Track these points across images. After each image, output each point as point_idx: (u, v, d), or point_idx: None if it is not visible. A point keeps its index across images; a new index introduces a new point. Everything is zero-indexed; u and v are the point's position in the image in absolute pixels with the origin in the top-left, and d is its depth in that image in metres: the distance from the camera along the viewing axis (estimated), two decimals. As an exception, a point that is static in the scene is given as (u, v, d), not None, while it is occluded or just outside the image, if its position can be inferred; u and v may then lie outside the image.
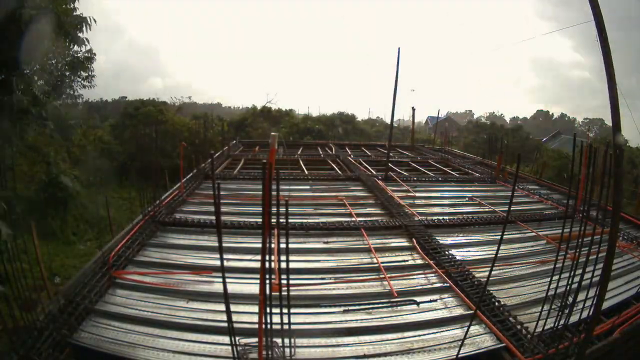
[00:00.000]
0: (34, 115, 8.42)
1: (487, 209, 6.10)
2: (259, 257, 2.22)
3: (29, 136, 9.32)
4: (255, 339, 2.37)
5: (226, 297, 2.17)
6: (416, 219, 5.36)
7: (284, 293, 2.26)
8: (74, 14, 8.87)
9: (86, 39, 9.64)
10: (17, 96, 7.38)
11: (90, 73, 10.87)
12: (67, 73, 10.27)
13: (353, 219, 5.29)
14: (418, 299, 3.37)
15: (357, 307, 3.21)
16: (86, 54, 10.55)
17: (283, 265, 2.24)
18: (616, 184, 2.33)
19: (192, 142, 13.81)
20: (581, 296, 2.65)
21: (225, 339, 2.48)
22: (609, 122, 2.56)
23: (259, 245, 2.18)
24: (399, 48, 7.97)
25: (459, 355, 2.61)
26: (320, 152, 12.44)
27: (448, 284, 3.60)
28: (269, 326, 2.25)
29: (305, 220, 5.06)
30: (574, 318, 2.74)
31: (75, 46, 9.79)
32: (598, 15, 2.16)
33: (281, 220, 2.27)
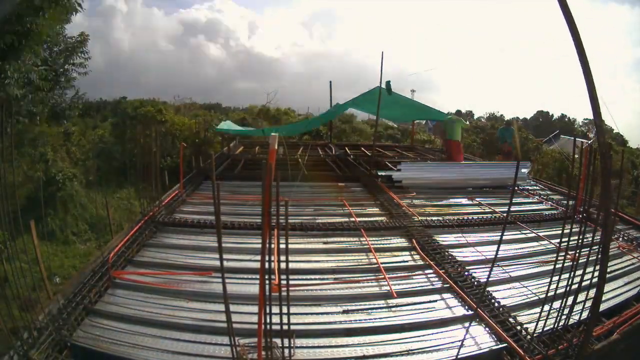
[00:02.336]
0: (28, 101, 8.32)
1: (486, 210, 6.11)
2: (258, 257, 2.22)
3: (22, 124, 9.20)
4: (254, 340, 2.37)
5: (226, 298, 2.17)
6: (416, 219, 5.37)
7: (284, 293, 2.25)
8: None
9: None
10: (10, 84, 7.26)
11: (86, 56, 10.72)
12: (61, 61, 10.12)
13: (353, 219, 5.29)
14: (418, 299, 3.37)
15: (356, 308, 3.21)
16: (79, 38, 10.42)
17: (283, 265, 2.24)
18: (604, 183, 2.37)
19: (192, 142, 13.81)
20: (581, 297, 2.65)
21: (225, 340, 2.48)
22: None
23: (259, 246, 2.18)
24: (382, 52, 8.28)
25: (459, 356, 2.60)
26: (320, 153, 12.44)
27: (448, 285, 3.60)
28: (268, 327, 2.24)
29: (305, 221, 5.06)
30: (574, 319, 2.74)
31: (68, 29, 9.55)
32: (575, 32, 2.21)
33: (281, 221, 2.26)
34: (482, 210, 6.10)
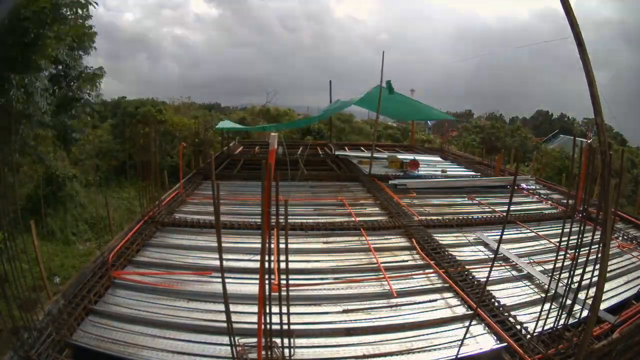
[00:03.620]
0: (34, 121, 8.34)
1: (486, 209, 6.11)
2: (258, 257, 2.22)
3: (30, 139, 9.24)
4: (254, 339, 2.37)
5: (225, 298, 2.17)
6: (415, 218, 5.37)
7: (284, 293, 2.25)
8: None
9: (94, 47, 9.46)
10: (15, 96, 7.27)
11: (98, 91, 10.74)
12: (74, 85, 10.14)
13: (352, 219, 5.30)
14: (418, 298, 3.37)
15: (356, 307, 3.21)
16: (96, 71, 10.46)
17: (282, 265, 2.24)
18: (604, 183, 2.37)
19: (192, 142, 13.81)
20: (581, 296, 2.65)
21: (225, 339, 2.48)
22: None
23: (259, 246, 2.18)
24: (383, 52, 8.33)
25: (459, 355, 2.61)
26: (320, 152, 12.44)
27: (448, 284, 3.60)
28: (268, 326, 2.25)
29: (304, 221, 5.06)
30: (574, 318, 2.74)
31: (85, 61, 9.72)
32: (577, 32, 2.21)
33: (281, 221, 2.26)
34: (482, 210, 6.10)
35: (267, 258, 2.15)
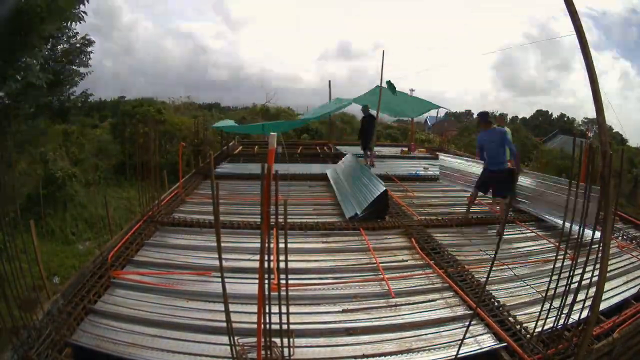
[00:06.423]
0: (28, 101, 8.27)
1: (486, 209, 6.10)
2: (257, 257, 2.22)
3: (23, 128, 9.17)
4: (254, 339, 2.37)
5: (225, 297, 2.17)
6: (415, 218, 5.37)
7: (283, 293, 2.25)
8: None
9: (83, 12, 8.70)
10: (12, 83, 7.23)
11: (88, 57, 10.60)
12: (63, 60, 10.03)
13: (352, 218, 5.29)
14: (417, 298, 3.37)
15: (355, 307, 3.21)
16: (83, 41, 10.33)
17: (282, 265, 2.24)
18: (604, 183, 2.37)
19: (191, 142, 13.80)
20: (581, 296, 2.65)
21: (224, 339, 2.47)
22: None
23: (258, 245, 2.18)
24: (383, 51, 8.39)
25: (458, 355, 2.60)
26: (320, 152, 12.44)
27: (447, 284, 3.60)
28: (267, 326, 2.24)
29: (304, 220, 5.06)
30: (573, 318, 2.74)
31: (71, 32, 9.48)
32: (581, 33, 2.21)
33: (280, 220, 2.26)
34: (482, 210, 6.09)
35: (266, 258, 2.15)
